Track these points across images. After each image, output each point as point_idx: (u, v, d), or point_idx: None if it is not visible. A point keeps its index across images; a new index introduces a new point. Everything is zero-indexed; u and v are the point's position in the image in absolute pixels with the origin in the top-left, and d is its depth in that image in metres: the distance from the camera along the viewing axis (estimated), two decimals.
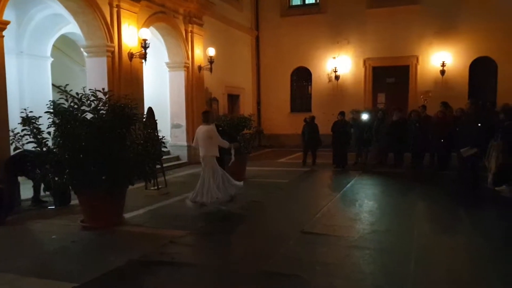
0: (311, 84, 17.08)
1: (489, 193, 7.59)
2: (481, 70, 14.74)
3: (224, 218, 6.37)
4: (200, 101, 12.66)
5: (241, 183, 6.96)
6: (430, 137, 10.26)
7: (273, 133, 16.32)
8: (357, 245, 5.01)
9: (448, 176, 9.46)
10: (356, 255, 4.72)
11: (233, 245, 5.22)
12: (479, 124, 7.99)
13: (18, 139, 5.92)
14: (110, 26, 9.21)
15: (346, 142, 11.11)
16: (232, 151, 7.05)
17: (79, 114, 5.69)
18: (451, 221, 6.16)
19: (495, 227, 5.88)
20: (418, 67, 15.44)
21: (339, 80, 16.32)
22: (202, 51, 12.72)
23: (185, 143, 12.09)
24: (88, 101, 5.75)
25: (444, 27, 14.79)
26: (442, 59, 14.89)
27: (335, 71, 16.25)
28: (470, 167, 8.19)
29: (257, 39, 17.38)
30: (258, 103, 17.61)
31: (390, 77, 16.08)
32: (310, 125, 11.65)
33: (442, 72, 14.94)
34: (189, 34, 12.20)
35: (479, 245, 4.99)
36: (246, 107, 15.91)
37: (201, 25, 12.58)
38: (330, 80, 16.47)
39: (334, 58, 16.29)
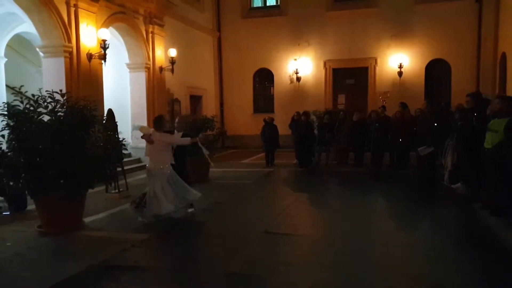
0: (273, 85, 17.30)
1: (445, 191, 7.85)
2: (436, 71, 15.50)
3: (187, 220, 6.32)
4: (161, 102, 12.51)
5: (199, 194, 6.29)
6: (389, 137, 10.65)
7: (237, 134, 16.40)
8: (319, 244, 5.13)
9: (406, 174, 9.87)
10: (318, 254, 4.83)
11: (195, 247, 5.21)
12: (436, 124, 8.37)
13: None
14: (67, 25, 8.93)
15: (311, 142, 11.41)
16: (201, 145, 6.55)
17: (36, 116, 5.49)
18: (410, 218, 6.36)
19: (451, 223, 6.17)
20: (377, 68, 16.00)
21: (301, 82, 16.63)
22: (163, 52, 12.57)
23: (144, 145, 11.89)
24: (45, 103, 5.56)
25: (401, 30, 15.43)
26: (399, 61, 15.50)
27: (297, 73, 16.54)
28: (427, 166, 8.60)
29: (219, 40, 17.38)
30: (221, 104, 17.60)
31: (350, 78, 16.56)
32: (270, 126, 11.83)
33: (400, 73, 15.56)
34: (150, 34, 12.03)
35: (436, 241, 5.16)
36: (209, 108, 15.85)
37: (161, 25, 12.43)
38: (291, 82, 16.75)
39: (295, 60, 16.58)
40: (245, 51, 17.02)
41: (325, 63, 16.48)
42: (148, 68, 11.98)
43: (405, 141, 10.09)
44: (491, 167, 6.07)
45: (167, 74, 12.74)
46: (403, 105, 11.01)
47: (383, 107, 12.01)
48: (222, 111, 17.52)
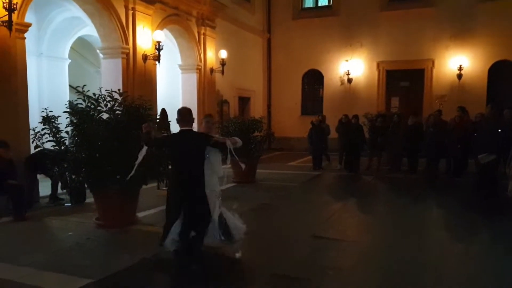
0: (323, 87, 17.03)
1: (508, 202, 7.29)
2: (501, 74, 14.47)
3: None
4: (211, 103, 12.75)
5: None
6: (446, 143, 10.07)
7: (284, 136, 16.32)
8: (369, 251, 4.98)
9: (464, 183, 9.30)
10: (368, 261, 4.69)
11: (243, 248, 5.23)
12: (499, 130, 7.80)
13: (39, 137, 6.12)
14: (125, 28, 9.34)
15: (359, 146, 11.06)
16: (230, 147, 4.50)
17: (96, 114, 5.78)
18: (467, 230, 5.98)
19: None
20: (434, 70, 15.26)
21: (352, 83, 16.24)
22: (214, 54, 12.80)
23: None
24: (104, 102, 5.84)
25: (461, 31, 14.61)
26: (459, 63, 14.68)
27: (348, 74, 16.18)
28: (488, 174, 8.00)
29: (269, 41, 17.41)
30: (269, 105, 17.63)
31: (404, 80, 15.94)
32: (317, 128, 11.62)
33: (459, 76, 14.73)
34: (202, 36, 12.29)
35: (499, 254, 4.83)
36: (257, 110, 15.92)
37: (213, 27, 12.67)
38: (342, 83, 16.40)
39: (347, 61, 16.23)
40: (295, 52, 16.92)
41: (378, 65, 15.98)
42: (199, 70, 12.25)
43: (464, 147, 9.51)
44: None
45: (217, 76, 12.96)
46: (462, 110, 10.39)
47: (439, 111, 11.41)
48: (269, 112, 17.54)
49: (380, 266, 4.52)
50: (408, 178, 10.22)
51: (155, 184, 7.81)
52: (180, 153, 4.39)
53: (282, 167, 12.17)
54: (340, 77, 16.48)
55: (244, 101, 15.88)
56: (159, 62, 10.07)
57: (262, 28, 17.10)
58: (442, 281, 4.06)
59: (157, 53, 9.78)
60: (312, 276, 4.15)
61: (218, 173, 4.67)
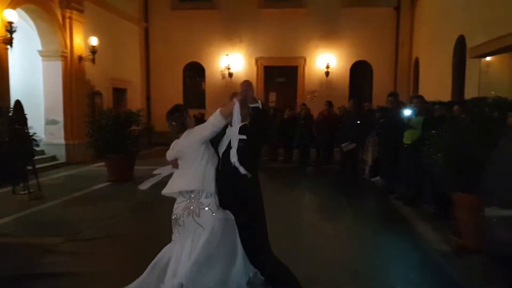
0: (205, 80, 16.97)
1: (366, 184, 8.42)
2: (359, 73, 16.32)
3: (107, 221, 5.86)
4: (80, 95, 11.57)
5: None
6: (315, 134, 10.99)
7: (165, 130, 15.71)
8: None
9: (331, 169, 10.24)
10: None
11: (121, 249, 4.83)
12: (358, 122, 8.81)
13: None
14: None
15: None
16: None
17: None
18: (335, 210, 6.65)
19: (371, 213, 6.51)
20: (306, 68, 16.43)
21: (233, 78, 16.50)
22: (83, 40, 11.62)
23: (62, 141, 11.00)
24: None
25: (328, 32, 15.97)
26: (326, 61, 16.05)
27: (228, 68, 16.39)
28: (350, 161, 9.02)
29: (146, 31, 16.59)
30: (148, 98, 16.83)
31: (280, 76, 16.82)
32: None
33: (327, 73, 16.14)
34: (67, 20, 10.99)
35: (358, 230, 5.50)
36: (134, 102, 15.00)
37: (81, 11, 11.45)
38: (223, 77, 16.56)
39: (227, 55, 16.41)
40: (175, 43, 16.43)
41: (256, 60, 16.53)
42: (65, 57, 10.97)
43: (330, 137, 10.49)
44: (409, 161, 6.46)
45: (87, 64, 11.80)
46: (329, 104, 11.41)
47: (303, 104, 12.39)
48: (148, 105, 16.75)
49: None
50: (284, 167, 10.85)
51: (9, 189, 6.76)
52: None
53: (165, 163, 11.67)
54: (221, 71, 16.60)
55: (119, 93, 14.80)
56: (11, 46, 8.66)
57: (139, 16, 16.16)
58: (315, 258, 4.33)
59: (9, 35, 8.40)
60: None
61: None
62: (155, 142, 15.27)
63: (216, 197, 2.92)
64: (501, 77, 7.84)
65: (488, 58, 8.31)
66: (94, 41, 11.52)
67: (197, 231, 2.86)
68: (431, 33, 12.79)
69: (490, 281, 3.57)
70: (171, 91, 16.57)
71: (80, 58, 11.51)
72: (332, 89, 15.78)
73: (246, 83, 3.27)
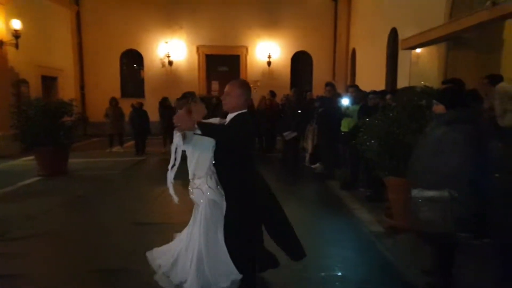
0: (143, 68, 16.35)
1: (307, 170, 8.68)
2: (300, 63, 16.68)
3: (37, 218, 5.49)
4: (3, 83, 10.65)
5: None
6: (257, 123, 11.03)
7: (102, 120, 15.03)
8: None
9: (274, 157, 10.41)
10: None
11: (54, 248, 4.54)
12: (299, 111, 9.00)
13: None
14: None
15: None
16: None
17: None
18: (278, 196, 6.70)
19: (311, 198, 6.77)
20: (248, 57, 16.45)
21: (173, 66, 16.08)
22: (5, 24, 10.65)
23: None
24: None
25: (270, 21, 16.08)
26: (268, 51, 16.20)
27: (168, 56, 15.94)
28: (291, 149, 9.21)
29: (78, 15, 15.58)
30: (82, 87, 15.91)
31: (222, 65, 16.70)
32: (139, 112, 11.21)
33: (269, 63, 16.29)
34: None
35: (300, 214, 5.57)
36: (67, 91, 14.10)
37: None
38: (163, 66, 16.08)
39: (166, 42, 15.93)
40: (110, 29, 15.61)
41: (198, 48, 16.23)
42: None
43: (272, 127, 10.63)
44: (346, 148, 6.76)
45: (10, 50, 10.84)
46: (272, 94, 11.55)
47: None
48: (83, 94, 15.83)
49: None
50: None
51: None
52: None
53: (102, 155, 11.18)
54: (161, 59, 16.10)
55: (49, 81, 13.81)
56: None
57: None
58: None
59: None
60: (132, 265, 3.91)
61: None
62: (91, 134, 14.54)
63: (212, 181, 3.12)
64: (429, 67, 8.40)
65: (418, 50, 8.87)
66: (16, 24, 10.62)
67: (197, 208, 3.24)
68: (366, 25, 13.37)
69: (417, 257, 3.85)
70: (108, 80, 15.81)
71: (1, 43, 10.54)
72: (274, 79, 15.98)
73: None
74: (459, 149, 3.00)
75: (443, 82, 5.56)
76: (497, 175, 2.78)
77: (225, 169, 3.05)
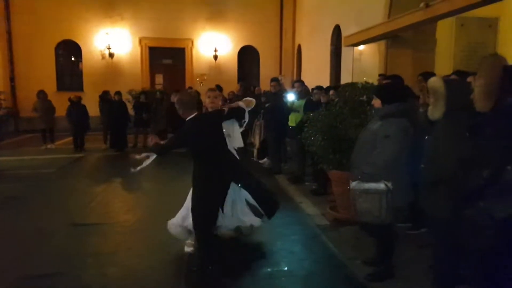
0: (82, 61, 15.44)
1: (255, 166, 8.51)
2: (247, 57, 16.67)
3: None
4: None
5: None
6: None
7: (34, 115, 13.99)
8: (133, 230, 4.84)
9: None
10: (132, 240, 4.54)
11: None
12: None
13: None
14: None
15: (125, 123, 10.65)
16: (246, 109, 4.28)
17: None
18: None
19: None
20: (193, 50, 16.12)
21: (114, 58, 15.35)
22: None
23: None
24: None
25: (215, 14, 15.87)
26: (214, 44, 15.99)
27: (109, 48, 15.19)
28: None
29: (6, 0, 14.33)
30: (12, 79, 14.67)
31: (167, 58, 16.24)
32: (77, 106, 10.60)
33: (215, 57, 16.09)
34: None
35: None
36: None
37: None
38: (103, 58, 15.28)
39: (107, 34, 15.15)
40: (44, 17, 14.54)
41: (140, 40, 15.63)
42: None
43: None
44: (292, 143, 6.83)
45: None
46: (219, 88, 11.39)
47: (190, 87, 12.24)
48: (13, 87, 14.62)
49: (142, 244, 4.42)
50: (176, 152, 10.49)
51: None
52: (207, 143, 3.79)
53: (36, 152, 10.39)
54: (101, 51, 15.29)
55: None
56: None
57: None
58: None
59: None
60: (69, 269, 3.72)
61: (238, 143, 4.35)
62: (23, 129, 13.50)
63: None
64: (371, 64, 8.74)
65: (360, 47, 9.18)
66: None
67: None
68: (311, 21, 13.64)
69: (361, 249, 3.97)
70: (42, 72, 14.72)
71: None
72: (221, 73, 15.84)
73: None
74: (392, 142, 3.11)
75: (381, 77, 5.78)
76: (422, 166, 2.92)
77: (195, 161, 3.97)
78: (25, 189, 6.71)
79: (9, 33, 14.49)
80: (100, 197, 6.21)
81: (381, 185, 3.13)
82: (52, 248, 4.25)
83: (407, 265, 3.61)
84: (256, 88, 11.48)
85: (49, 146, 10.87)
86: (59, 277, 3.57)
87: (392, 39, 7.77)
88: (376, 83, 5.53)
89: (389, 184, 3.11)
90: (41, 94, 10.73)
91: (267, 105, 7.93)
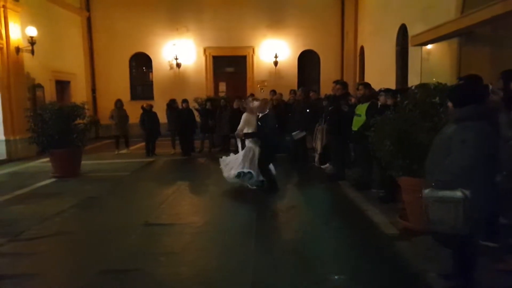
0: (152, 71, 16.44)
1: (316, 171, 8.52)
2: (307, 62, 16.62)
3: (52, 219, 5.53)
4: (19, 88, 10.92)
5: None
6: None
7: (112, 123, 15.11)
8: (201, 231, 5.00)
9: (283, 157, 10.31)
10: (201, 241, 4.70)
11: (66, 248, 4.58)
12: (308, 110, 8.91)
13: None
14: None
15: (192, 130, 11.15)
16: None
17: None
18: (288, 198, 6.60)
19: (321, 199, 6.64)
20: (254, 57, 16.43)
21: (181, 68, 16.14)
22: (21, 31, 10.88)
23: (2, 137, 10.39)
24: None
25: (275, 21, 16.05)
26: (274, 51, 16.16)
27: (176, 59, 16.01)
28: (300, 149, 9.13)
29: (89, 20, 15.76)
30: (94, 90, 16.08)
31: (229, 66, 16.70)
32: (149, 114, 11.27)
33: (276, 63, 16.25)
34: (1, 9, 10.27)
35: (308, 217, 5.58)
36: (79, 95, 14.28)
37: None
38: (171, 68, 16.15)
39: (174, 45, 15.99)
40: (119, 33, 15.76)
41: (205, 50, 16.27)
42: (1, 48, 10.27)
43: (281, 126, 10.52)
44: (357, 147, 6.66)
45: (26, 56, 11.10)
46: (273, 93, 11.57)
47: (252, 95, 12.41)
48: (94, 98, 16.00)
49: (212, 245, 4.56)
50: None
51: None
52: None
53: (113, 156, 11.27)
54: (169, 61, 16.17)
55: (63, 85, 14.04)
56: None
57: (80, 5, 15.31)
58: (270, 249, 4.33)
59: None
60: (144, 266, 3.94)
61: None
62: (103, 136, 14.67)
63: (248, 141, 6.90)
64: (441, 64, 8.27)
65: (428, 46, 8.74)
66: (32, 31, 10.86)
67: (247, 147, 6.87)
68: (374, 22, 13.25)
69: (434, 260, 3.73)
70: (118, 83, 15.96)
71: (18, 49, 10.77)
72: (281, 79, 15.95)
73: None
74: (469, 147, 2.92)
75: (459, 79, 5.44)
76: (504, 172, 2.69)
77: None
78: (104, 190, 7.30)
79: (91, 49, 15.93)
80: (171, 199, 6.54)
81: (457, 193, 2.93)
82: (129, 245, 4.53)
83: (487, 280, 3.35)
84: (312, 93, 11.36)
85: (120, 151, 11.68)
86: (135, 273, 3.79)
87: (466, 36, 7.30)
88: (450, 84, 5.23)
89: (467, 193, 2.91)
90: (118, 103, 11.53)
91: (330, 108, 7.82)
